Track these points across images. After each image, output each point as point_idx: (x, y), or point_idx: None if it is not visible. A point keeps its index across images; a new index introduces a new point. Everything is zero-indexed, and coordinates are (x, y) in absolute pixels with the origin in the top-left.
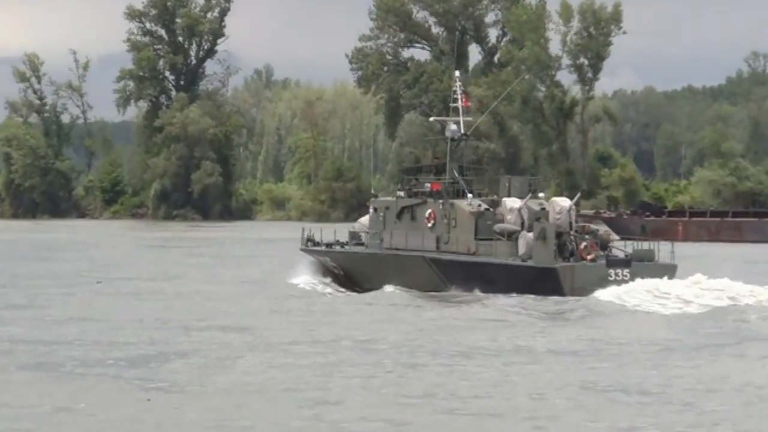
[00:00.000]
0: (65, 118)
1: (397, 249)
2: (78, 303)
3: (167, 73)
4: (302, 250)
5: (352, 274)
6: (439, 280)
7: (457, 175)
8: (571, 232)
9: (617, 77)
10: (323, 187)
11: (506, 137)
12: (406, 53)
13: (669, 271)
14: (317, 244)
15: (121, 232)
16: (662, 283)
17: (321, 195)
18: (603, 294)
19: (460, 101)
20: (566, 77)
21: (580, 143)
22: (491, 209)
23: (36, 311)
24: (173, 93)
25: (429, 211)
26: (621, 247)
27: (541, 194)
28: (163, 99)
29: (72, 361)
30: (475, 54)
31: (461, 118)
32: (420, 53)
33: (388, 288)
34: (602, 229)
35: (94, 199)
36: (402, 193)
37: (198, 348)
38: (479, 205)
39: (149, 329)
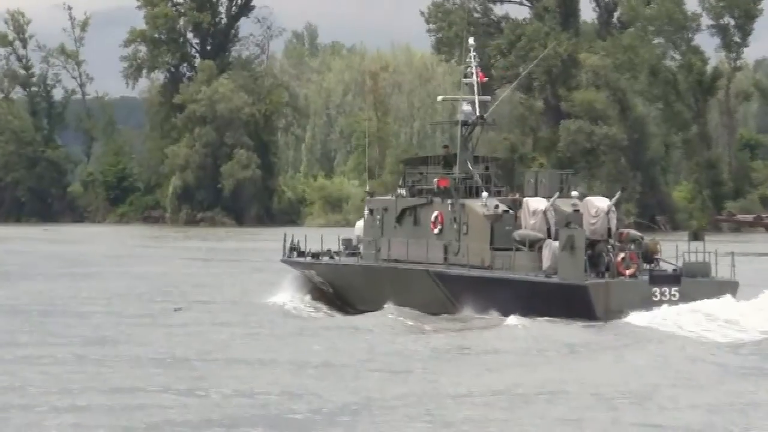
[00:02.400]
0: (58, 94)
1: (396, 261)
2: (189, 338)
3: (190, 36)
4: (283, 261)
5: (342, 291)
6: (447, 300)
7: (471, 168)
8: (610, 241)
9: (762, 41)
10: (391, 183)
11: (629, 119)
12: (498, 10)
13: (729, 289)
14: (302, 253)
15: (140, 241)
16: (720, 305)
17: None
18: (645, 317)
19: (475, 75)
20: (707, 42)
21: (724, 126)
22: (511, 211)
23: (143, 349)
24: (197, 61)
25: (435, 213)
26: (670, 260)
27: (574, 192)
28: (184, 69)
29: None
30: (588, 11)
31: (476, 97)
32: (517, 10)
33: (386, 309)
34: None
35: (95, 197)
36: (403, 191)
37: None
38: (496, 207)
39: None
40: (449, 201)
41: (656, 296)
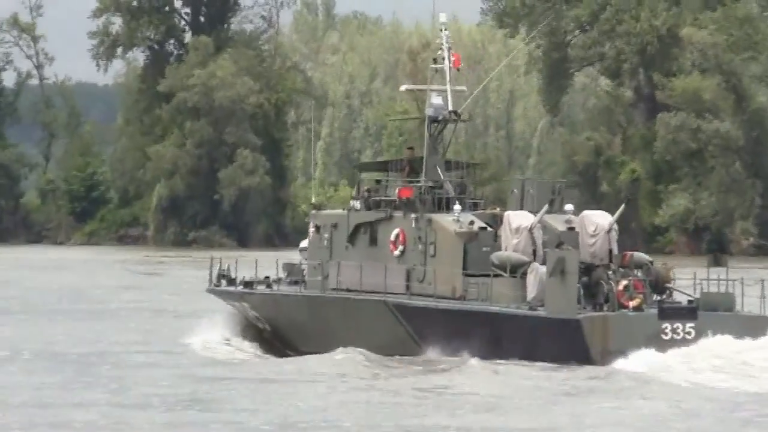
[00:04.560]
0: (8, 78)
1: (348, 290)
2: None
3: (178, 4)
4: (210, 292)
5: (281, 328)
6: (410, 339)
7: (441, 175)
8: (611, 266)
9: None
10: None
11: (746, 112)
12: None
13: (756, 326)
14: (233, 281)
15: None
16: (745, 346)
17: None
18: (651, 360)
19: (447, 60)
20: None
21: None
22: (490, 228)
23: None
24: (188, 37)
25: (396, 230)
26: (684, 290)
27: (567, 206)
28: (171, 47)
29: None
30: None
31: (448, 87)
32: None
33: (335, 351)
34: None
35: (56, 211)
36: (357, 204)
37: None
38: (471, 223)
39: None
40: (413, 215)
41: (666, 334)
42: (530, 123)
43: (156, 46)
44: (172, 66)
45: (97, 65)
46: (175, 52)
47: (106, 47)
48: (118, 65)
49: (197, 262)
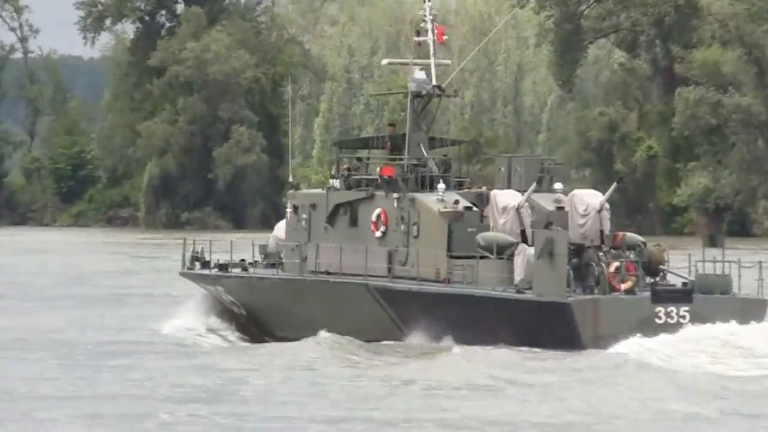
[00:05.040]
0: None
1: (327, 273)
2: None
3: None
4: (183, 275)
5: (257, 313)
6: (392, 323)
7: (424, 152)
8: (602, 247)
9: None
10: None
11: None
12: None
13: (755, 309)
14: (207, 264)
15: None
16: (741, 329)
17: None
18: (643, 345)
19: (430, 32)
20: None
21: None
22: (476, 208)
23: None
24: (180, 7)
25: (377, 210)
26: (680, 272)
27: (557, 185)
28: (162, 18)
29: None
30: None
31: (432, 61)
32: None
33: (314, 336)
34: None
35: (41, 192)
36: (336, 182)
37: None
38: (456, 202)
39: None
40: (395, 195)
41: (660, 318)
42: (539, 98)
43: (146, 18)
44: (163, 39)
45: (84, 38)
46: (167, 24)
47: (94, 19)
48: (106, 38)
49: (189, 245)
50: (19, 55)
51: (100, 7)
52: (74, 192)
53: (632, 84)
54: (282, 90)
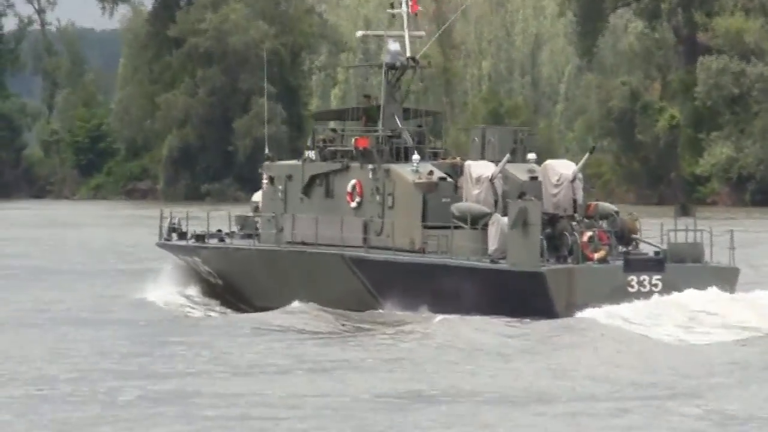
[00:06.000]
0: (9, 24)
1: (303, 243)
2: None
3: None
4: (160, 246)
5: (234, 283)
6: (367, 293)
7: (399, 124)
8: (575, 216)
9: None
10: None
11: None
12: None
13: (726, 277)
14: (184, 235)
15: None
16: (713, 297)
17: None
18: (617, 313)
19: (404, 4)
20: None
21: None
22: (450, 179)
23: None
24: None
25: (353, 181)
26: (652, 241)
27: (530, 155)
28: None
29: None
30: None
31: (406, 33)
32: None
33: (291, 305)
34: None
35: (60, 164)
36: (311, 154)
37: None
38: (430, 173)
39: None
40: (370, 166)
41: (632, 286)
42: (557, 68)
43: None
44: (182, 10)
45: (103, 8)
46: None
47: None
48: (124, 10)
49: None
50: (36, 27)
51: None
52: (93, 164)
53: (655, 53)
54: (301, 61)
